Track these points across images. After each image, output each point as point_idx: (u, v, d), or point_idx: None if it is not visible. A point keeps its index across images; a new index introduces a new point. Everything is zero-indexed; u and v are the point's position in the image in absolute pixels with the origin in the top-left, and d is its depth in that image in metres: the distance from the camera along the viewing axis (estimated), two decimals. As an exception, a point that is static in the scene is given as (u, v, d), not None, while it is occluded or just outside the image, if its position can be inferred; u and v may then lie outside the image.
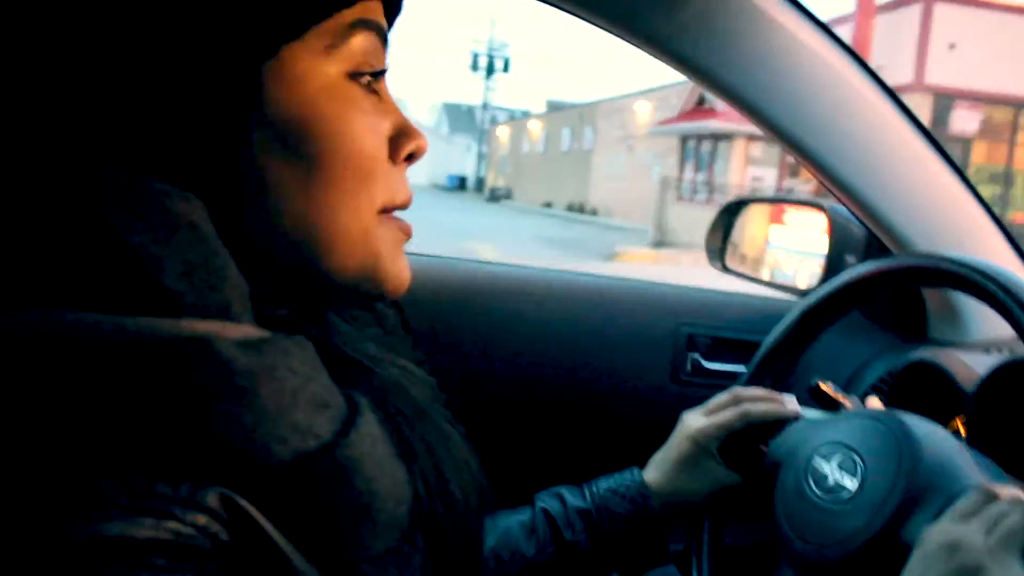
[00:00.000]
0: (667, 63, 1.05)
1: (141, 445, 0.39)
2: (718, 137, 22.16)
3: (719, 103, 20.63)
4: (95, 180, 0.44)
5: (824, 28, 1.08)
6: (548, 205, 23.95)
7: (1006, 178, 18.22)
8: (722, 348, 1.36)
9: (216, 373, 0.41)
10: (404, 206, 0.58)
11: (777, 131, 1.10)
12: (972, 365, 1.05)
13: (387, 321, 0.68)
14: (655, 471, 0.93)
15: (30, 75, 0.45)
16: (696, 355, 1.35)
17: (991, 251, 1.20)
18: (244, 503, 0.41)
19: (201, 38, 0.47)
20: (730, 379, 1.27)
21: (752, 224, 1.53)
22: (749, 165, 21.51)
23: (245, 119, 0.49)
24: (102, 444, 0.39)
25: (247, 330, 0.44)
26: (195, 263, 0.45)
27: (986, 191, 16.45)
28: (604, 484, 0.92)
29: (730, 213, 1.49)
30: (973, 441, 0.96)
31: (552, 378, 1.35)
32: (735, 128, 21.01)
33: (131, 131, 0.46)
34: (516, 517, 0.91)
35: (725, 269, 1.49)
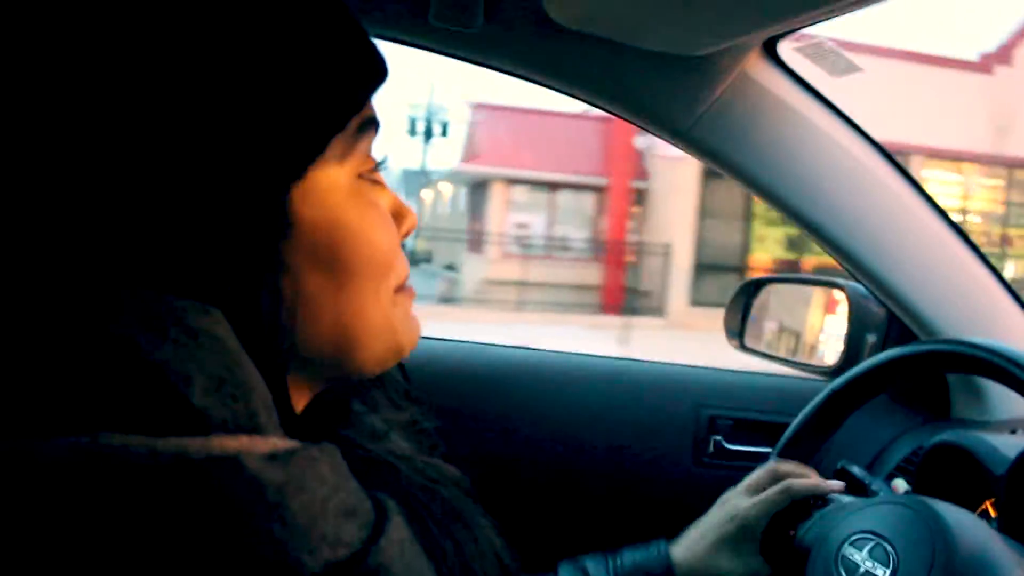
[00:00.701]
0: (686, 151, 1.07)
1: (177, 569, 0.39)
2: (484, 183, 20.01)
3: (484, 146, 19.12)
4: (117, 301, 0.44)
5: (839, 112, 1.10)
6: (450, 267, 23.58)
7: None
8: (744, 429, 1.35)
9: (247, 490, 0.41)
10: (407, 278, 0.61)
11: (795, 214, 1.11)
12: (999, 446, 1.04)
13: (402, 414, 0.68)
14: (688, 550, 0.90)
15: (62, 206, 0.45)
16: (718, 437, 1.34)
17: (1011, 330, 1.20)
18: None
19: (231, 170, 0.47)
20: (753, 460, 1.26)
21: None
22: (512, 211, 19.20)
23: (280, 242, 0.50)
24: (138, 570, 0.38)
25: (275, 442, 0.44)
26: (220, 376, 0.45)
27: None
28: (629, 557, 0.90)
29: (747, 294, 1.49)
30: (1004, 526, 0.95)
31: (571, 462, 1.34)
32: (489, 172, 18.84)
33: (173, 262, 0.47)
34: None
35: (743, 348, 1.49)
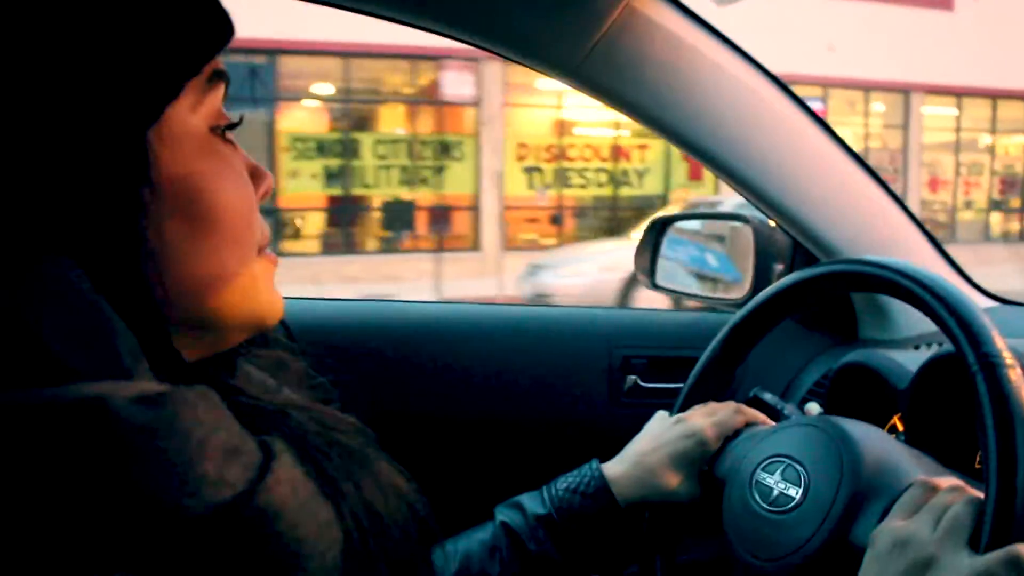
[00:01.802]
0: (578, 89, 1.06)
1: (48, 525, 0.38)
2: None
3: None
4: None
5: (730, 43, 1.09)
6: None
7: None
8: (658, 367, 1.36)
9: (113, 434, 0.40)
10: (268, 242, 0.61)
11: (694, 148, 1.11)
12: (903, 363, 1.06)
13: (293, 370, 0.67)
14: (635, 465, 0.91)
15: None
16: (633, 376, 1.35)
17: (909, 247, 1.23)
18: None
19: (89, 110, 0.47)
20: (670, 397, 1.27)
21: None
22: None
23: (138, 185, 0.49)
24: (10, 523, 0.38)
25: (143, 386, 0.43)
26: (75, 323, 0.44)
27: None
28: (563, 483, 0.90)
29: (656, 231, 1.49)
30: (911, 438, 0.98)
31: (491, 413, 1.34)
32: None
33: (26, 209, 0.46)
34: (477, 536, 0.88)
35: (655, 286, 1.50)
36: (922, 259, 1.23)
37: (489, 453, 1.32)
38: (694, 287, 1.52)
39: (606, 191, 14.96)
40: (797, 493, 0.78)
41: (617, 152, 14.84)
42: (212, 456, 0.43)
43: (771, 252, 1.32)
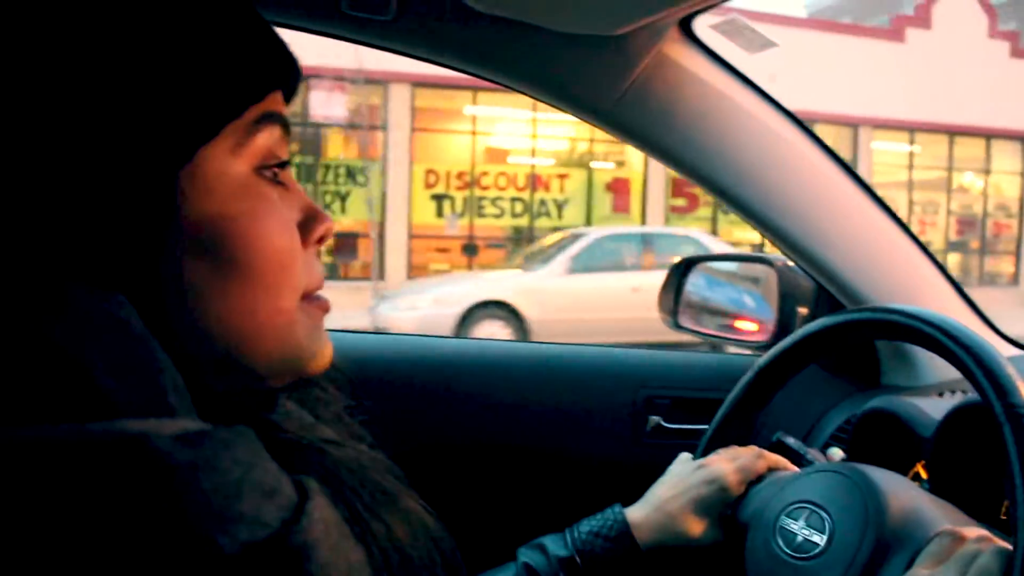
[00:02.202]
0: (611, 133, 1.08)
1: (86, 560, 0.38)
2: None
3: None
4: (17, 286, 0.44)
5: (758, 89, 1.11)
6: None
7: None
8: (682, 408, 1.36)
9: (154, 472, 0.40)
10: (320, 288, 0.60)
11: (720, 191, 1.12)
12: (927, 410, 1.06)
13: (330, 406, 0.67)
14: (657, 510, 0.90)
15: None
16: (657, 417, 1.35)
17: (933, 294, 1.23)
18: None
19: (119, 148, 0.47)
20: (693, 438, 1.27)
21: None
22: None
23: (164, 225, 0.49)
24: (48, 557, 0.38)
25: (185, 424, 0.43)
26: (124, 359, 0.44)
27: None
28: (586, 526, 0.90)
29: (680, 273, 1.50)
30: (935, 486, 0.97)
31: (515, 447, 1.34)
32: None
33: (55, 241, 0.46)
34: None
35: (678, 327, 1.50)
36: (947, 306, 1.23)
37: (513, 486, 1.32)
38: (720, 329, 1.52)
39: (523, 221, 14.44)
40: (822, 540, 0.78)
41: (535, 181, 14.43)
42: (249, 496, 0.43)
43: (795, 296, 1.32)
